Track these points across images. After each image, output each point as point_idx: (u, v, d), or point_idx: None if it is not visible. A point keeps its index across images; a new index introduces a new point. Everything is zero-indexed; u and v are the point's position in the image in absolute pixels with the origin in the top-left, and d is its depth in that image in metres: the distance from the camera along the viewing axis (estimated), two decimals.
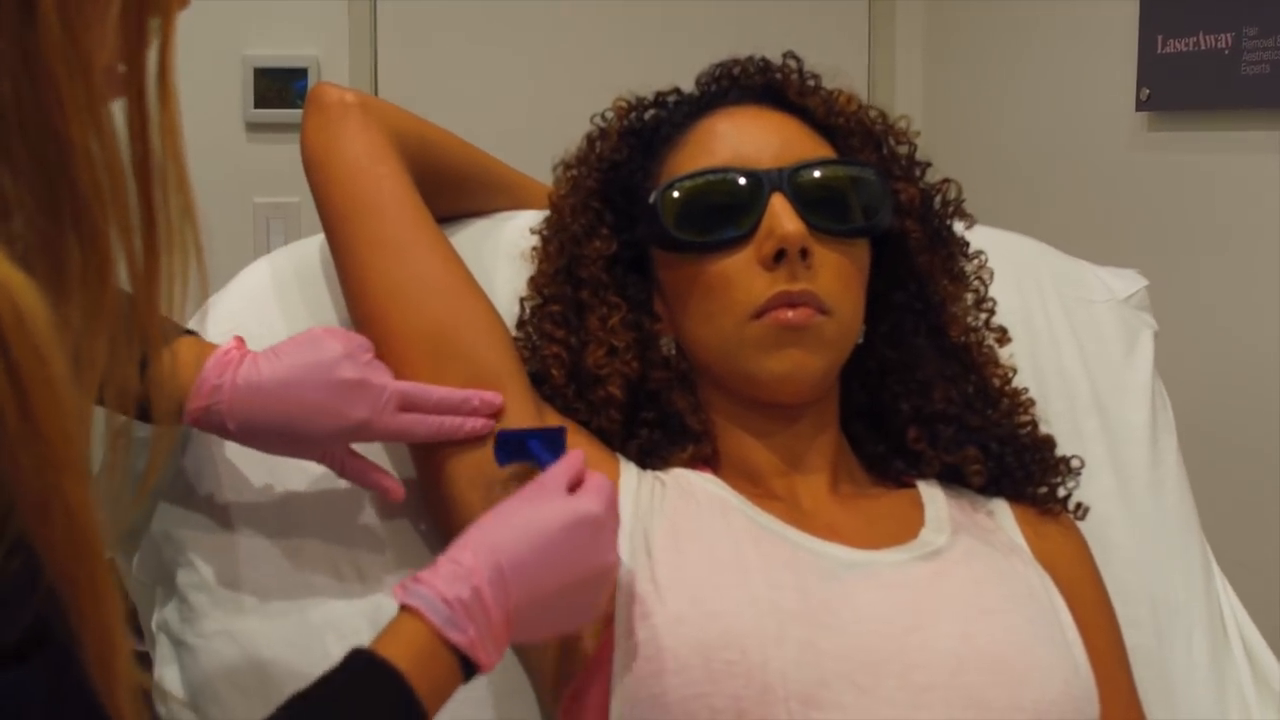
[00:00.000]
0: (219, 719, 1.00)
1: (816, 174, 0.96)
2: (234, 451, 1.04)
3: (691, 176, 0.97)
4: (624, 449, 0.99)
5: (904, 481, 1.03)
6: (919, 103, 2.57)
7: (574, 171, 1.05)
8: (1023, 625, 0.88)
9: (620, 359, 0.98)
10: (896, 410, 1.02)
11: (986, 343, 1.06)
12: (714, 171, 0.97)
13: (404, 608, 0.76)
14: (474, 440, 0.96)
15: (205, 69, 2.35)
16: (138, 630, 1.14)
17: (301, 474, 1.04)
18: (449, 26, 2.51)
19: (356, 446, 0.99)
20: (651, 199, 0.98)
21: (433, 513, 1.02)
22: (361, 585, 1.02)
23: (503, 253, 1.12)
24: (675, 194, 0.97)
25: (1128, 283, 1.30)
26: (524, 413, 0.97)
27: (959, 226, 1.08)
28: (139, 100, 0.59)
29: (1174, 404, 1.26)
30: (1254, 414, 1.85)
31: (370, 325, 0.99)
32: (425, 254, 1.00)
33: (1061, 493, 1.04)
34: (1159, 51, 2.02)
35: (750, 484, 0.97)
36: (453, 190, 1.10)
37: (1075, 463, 1.04)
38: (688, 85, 1.07)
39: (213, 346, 0.94)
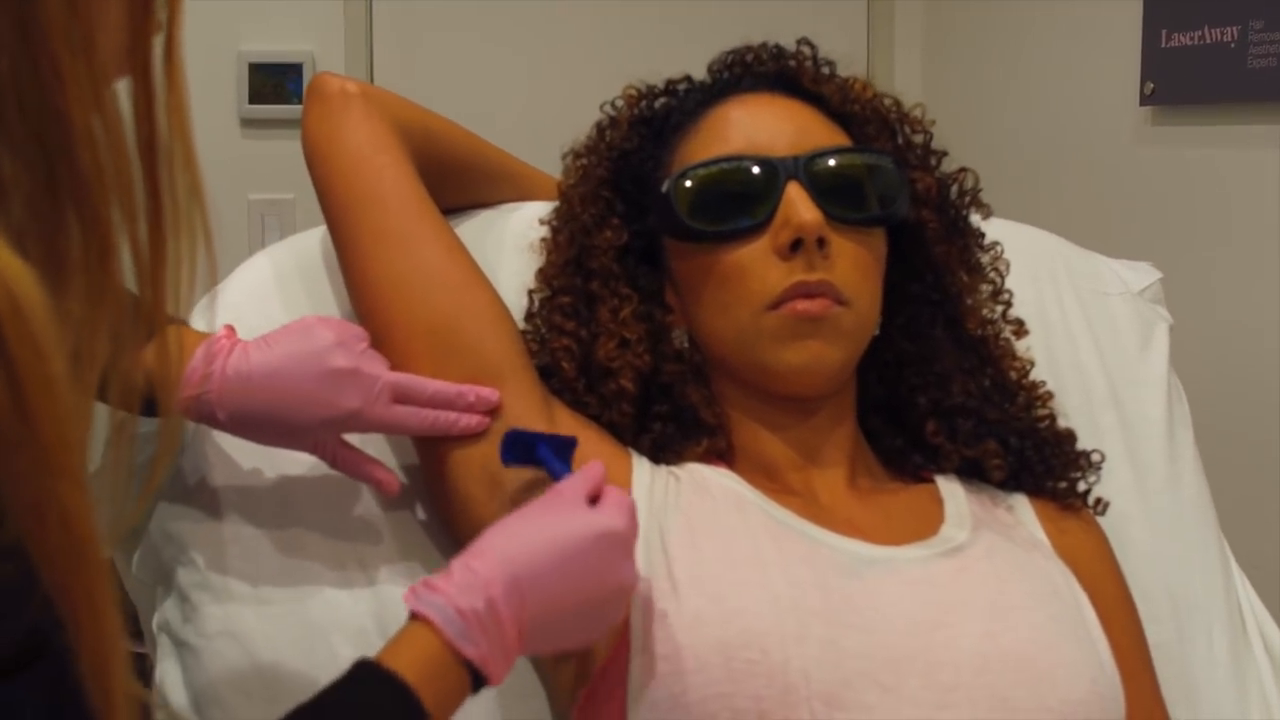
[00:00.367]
0: (220, 718, 0.97)
1: (833, 162, 0.94)
2: (234, 448, 1.01)
3: (705, 165, 0.95)
4: (636, 443, 0.97)
5: (922, 476, 1.01)
6: (919, 101, 2.55)
7: (584, 160, 1.03)
8: (1047, 623, 0.86)
9: (632, 351, 0.96)
10: (914, 403, 1.00)
11: (1004, 335, 1.04)
12: (728, 159, 0.95)
13: (415, 615, 0.73)
14: (478, 436, 0.93)
15: (199, 64, 2.28)
16: (137, 633, 1.12)
17: (302, 469, 1.01)
18: (444, 21, 2.49)
19: (352, 439, 0.96)
20: (664, 188, 0.96)
21: (436, 504, 1.00)
22: (365, 580, 1.00)
23: (508, 244, 1.10)
24: (688, 183, 0.95)
25: (1142, 275, 1.28)
26: (530, 407, 0.95)
27: (975, 218, 1.06)
28: (145, 79, 0.57)
29: None
30: (1258, 409, 1.83)
31: (373, 317, 0.97)
32: (429, 245, 0.98)
33: (1082, 487, 1.02)
34: (1163, 45, 2.01)
35: (766, 479, 0.95)
36: (456, 180, 1.08)
37: (1096, 457, 1.02)
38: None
39: (201, 335, 0.92)
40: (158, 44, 0.58)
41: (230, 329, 0.92)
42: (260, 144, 2.43)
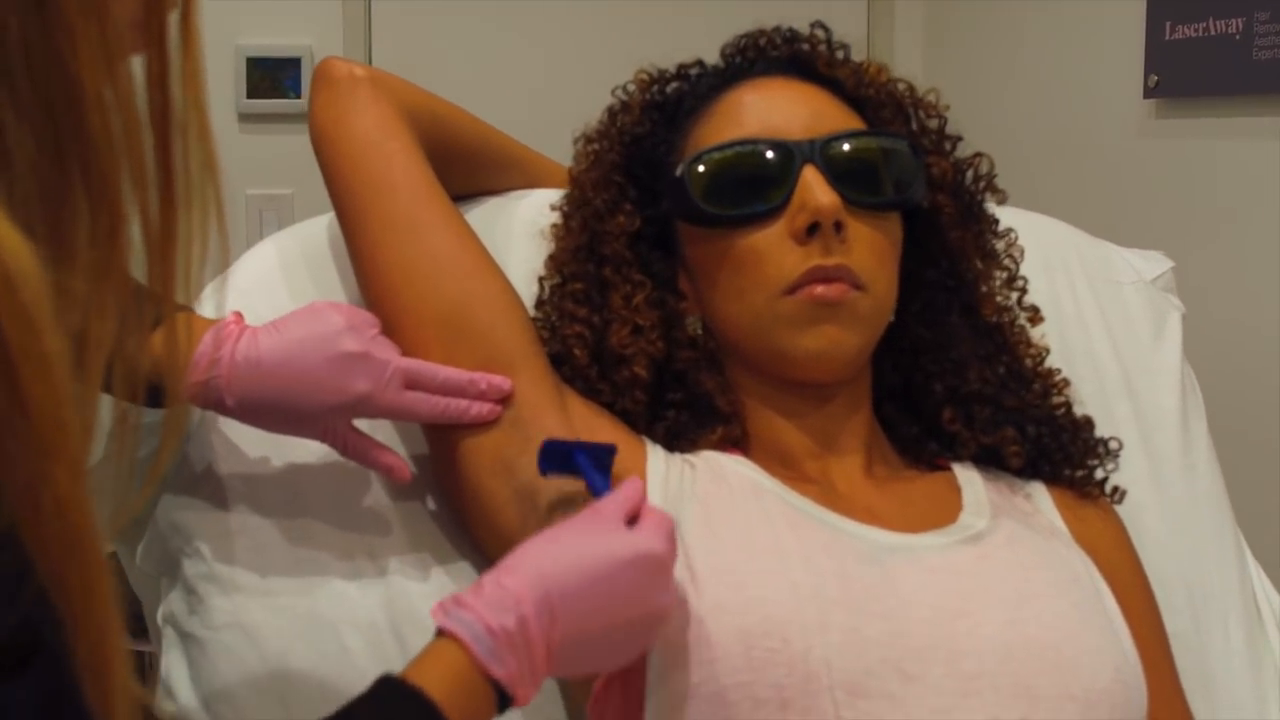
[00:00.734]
0: (228, 712, 0.96)
1: (849, 145, 0.93)
2: (241, 436, 1.00)
3: (720, 148, 0.94)
4: (650, 431, 0.95)
5: (938, 465, 1.00)
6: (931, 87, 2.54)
7: (595, 145, 1.01)
8: (1070, 611, 0.85)
9: (645, 338, 0.95)
10: (930, 391, 0.99)
11: (1019, 322, 1.03)
12: (743, 143, 0.93)
13: (442, 631, 0.71)
14: (489, 425, 0.92)
15: None
16: (141, 630, 1.10)
17: (311, 458, 1.00)
18: (443, 14, 2.47)
19: (361, 425, 0.95)
20: (679, 171, 0.95)
21: (447, 495, 0.98)
22: (375, 571, 0.98)
23: (517, 231, 1.08)
24: (703, 166, 0.93)
25: (1154, 264, 1.27)
26: (542, 395, 0.93)
27: (989, 205, 1.05)
28: (159, 45, 0.55)
29: None
30: (1262, 402, 1.82)
31: (382, 305, 0.96)
32: (439, 231, 0.97)
33: (1100, 475, 1.01)
34: (1167, 38, 2.00)
35: (782, 466, 0.94)
36: (465, 167, 1.07)
37: (1114, 444, 1.01)
38: None
39: (209, 321, 0.90)
40: (174, 13, 0.56)
41: (239, 315, 0.91)
42: (258, 139, 2.42)
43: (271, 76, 2.43)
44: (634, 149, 1.00)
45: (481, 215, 1.09)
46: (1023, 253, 1.05)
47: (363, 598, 0.98)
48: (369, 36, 2.45)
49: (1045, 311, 1.07)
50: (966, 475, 0.97)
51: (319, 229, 1.09)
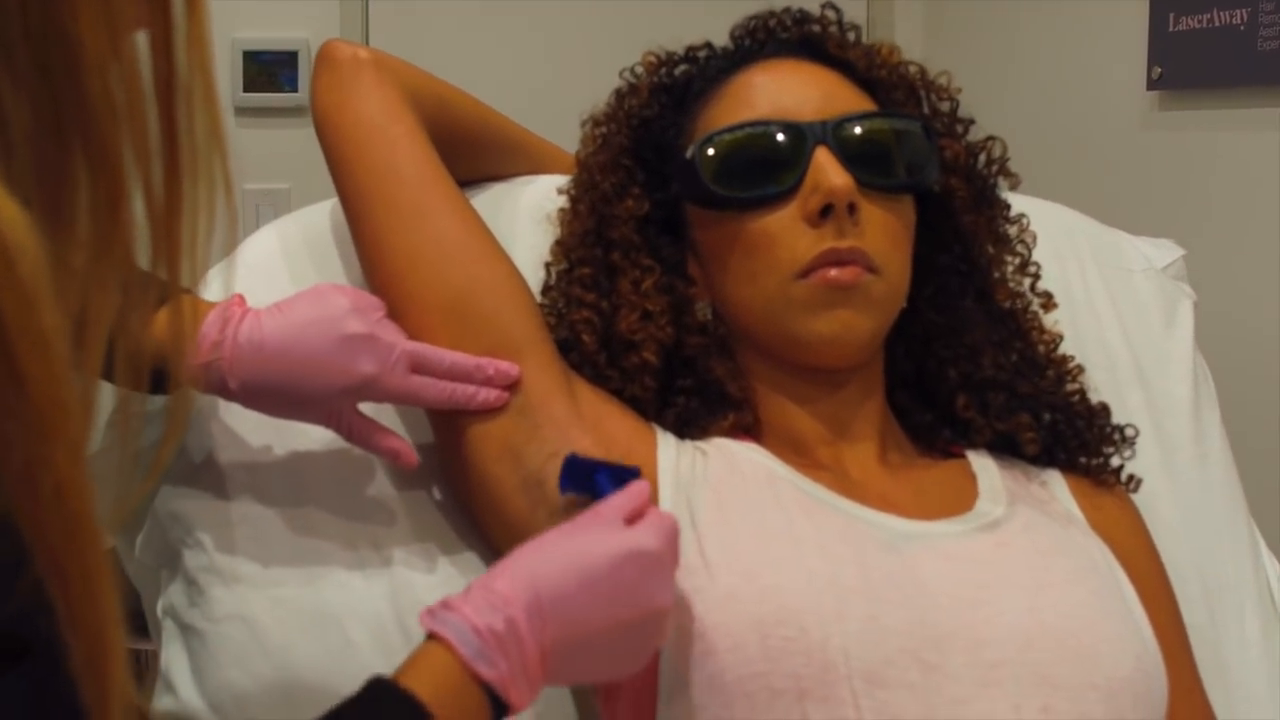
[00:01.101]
0: (230, 706, 0.94)
1: (862, 127, 0.91)
2: (242, 424, 0.98)
3: (731, 130, 0.92)
4: (660, 418, 0.94)
5: (951, 452, 0.98)
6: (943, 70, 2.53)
7: (603, 129, 1.00)
8: (1089, 599, 0.84)
9: (654, 324, 0.93)
10: (944, 377, 0.97)
11: (1032, 308, 1.02)
12: (754, 124, 0.92)
13: (431, 635, 0.70)
14: (496, 412, 0.91)
15: None
16: (140, 628, 1.08)
17: (314, 446, 0.98)
18: (441, 7, 2.46)
19: (366, 411, 0.93)
20: (689, 154, 0.93)
21: (453, 484, 0.97)
22: (379, 561, 0.97)
23: (523, 217, 1.07)
24: (713, 149, 0.92)
25: (1165, 252, 1.26)
26: (550, 381, 0.92)
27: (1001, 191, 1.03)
28: (164, 9, 0.53)
29: None
30: (1260, 397, 1.81)
31: (388, 291, 0.94)
32: (445, 217, 0.95)
33: (1116, 462, 0.99)
34: (1171, 29, 1.99)
35: (795, 454, 0.92)
36: (470, 152, 1.05)
37: (1130, 431, 1.00)
38: None
39: (211, 304, 0.88)
40: None
41: (241, 297, 0.89)
42: (255, 133, 2.40)
43: (268, 70, 2.41)
44: (642, 132, 0.98)
45: (487, 201, 1.07)
46: (1035, 238, 1.04)
47: (367, 589, 0.96)
48: (366, 30, 2.44)
49: (1056, 299, 1.06)
50: (981, 462, 0.95)
51: (321, 215, 1.08)
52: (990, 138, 1.01)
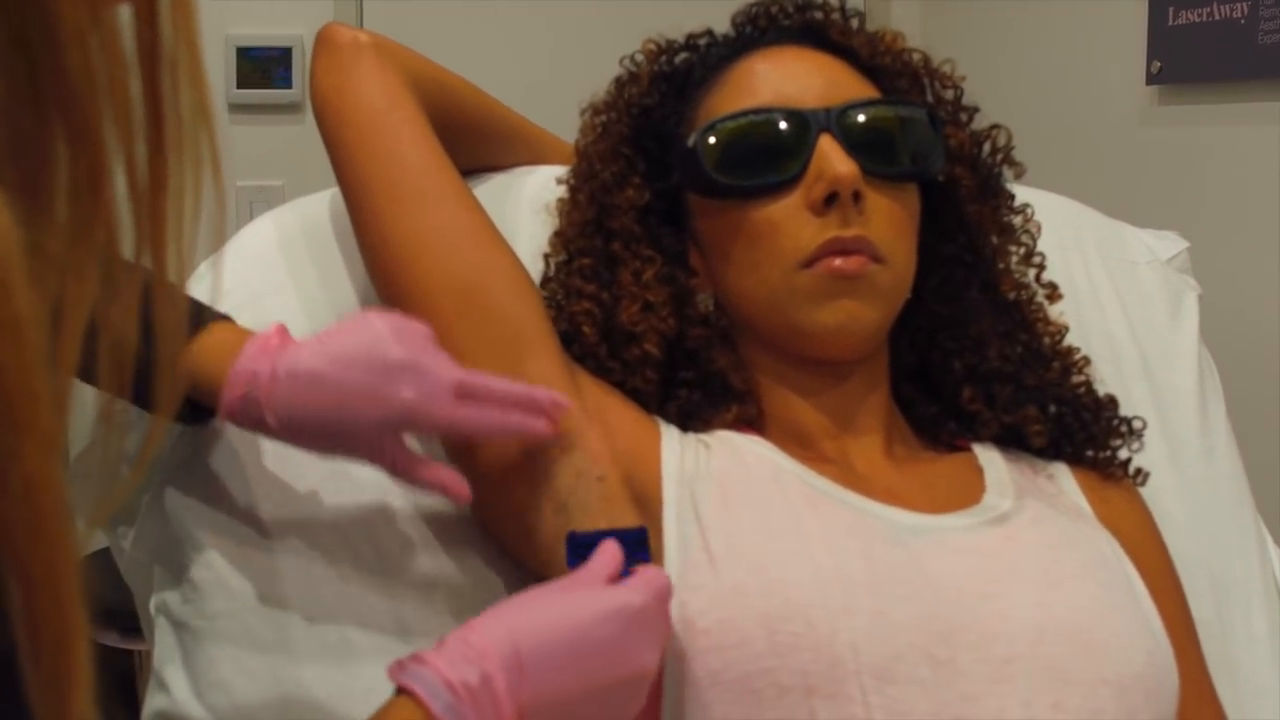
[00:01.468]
0: (224, 706, 0.92)
1: (866, 114, 0.90)
2: None
3: (733, 117, 0.90)
4: (662, 411, 0.92)
5: (957, 445, 0.97)
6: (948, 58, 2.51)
7: (603, 117, 0.98)
8: (1100, 593, 0.82)
9: (656, 315, 0.91)
10: (949, 369, 0.96)
11: (1037, 299, 1.00)
12: (756, 112, 0.90)
13: (400, 689, 0.67)
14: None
15: None
16: (130, 628, 1.06)
17: None
18: (435, 6, 2.44)
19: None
20: (690, 142, 0.91)
21: (473, 507, 0.94)
22: (376, 557, 0.95)
23: (524, 207, 1.05)
24: (715, 137, 0.90)
25: (1169, 244, 1.25)
26: (556, 373, 0.90)
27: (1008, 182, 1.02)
28: None
29: None
30: (1261, 391, 1.80)
31: (391, 278, 0.92)
32: (450, 203, 0.93)
33: (1124, 455, 0.98)
34: (1170, 23, 1.98)
35: (799, 446, 0.90)
36: (470, 139, 1.04)
37: (1137, 424, 0.99)
38: None
39: (246, 332, 0.85)
40: None
41: (282, 327, 0.86)
42: (248, 130, 2.38)
43: (262, 67, 2.40)
44: (643, 120, 0.97)
45: (487, 192, 1.05)
46: (1040, 229, 1.02)
47: (364, 586, 0.95)
48: (360, 26, 2.42)
49: (1060, 290, 1.05)
50: (987, 455, 0.94)
51: (319, 205, 1.06)
52: (995, 126, 1.00)
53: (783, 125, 0.89)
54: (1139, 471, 0.99)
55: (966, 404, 0.95)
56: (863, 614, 0.76)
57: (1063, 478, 0.95)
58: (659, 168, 0.96)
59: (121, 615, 1.28)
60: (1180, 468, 1.11)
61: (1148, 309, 1.18)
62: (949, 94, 0.99)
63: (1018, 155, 1.01)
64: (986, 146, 0.99)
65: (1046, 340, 0.99)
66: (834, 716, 0.75)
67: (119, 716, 0.57)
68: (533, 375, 0.89)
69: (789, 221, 0.88)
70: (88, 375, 0.48)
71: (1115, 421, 0.98)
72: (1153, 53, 2.01)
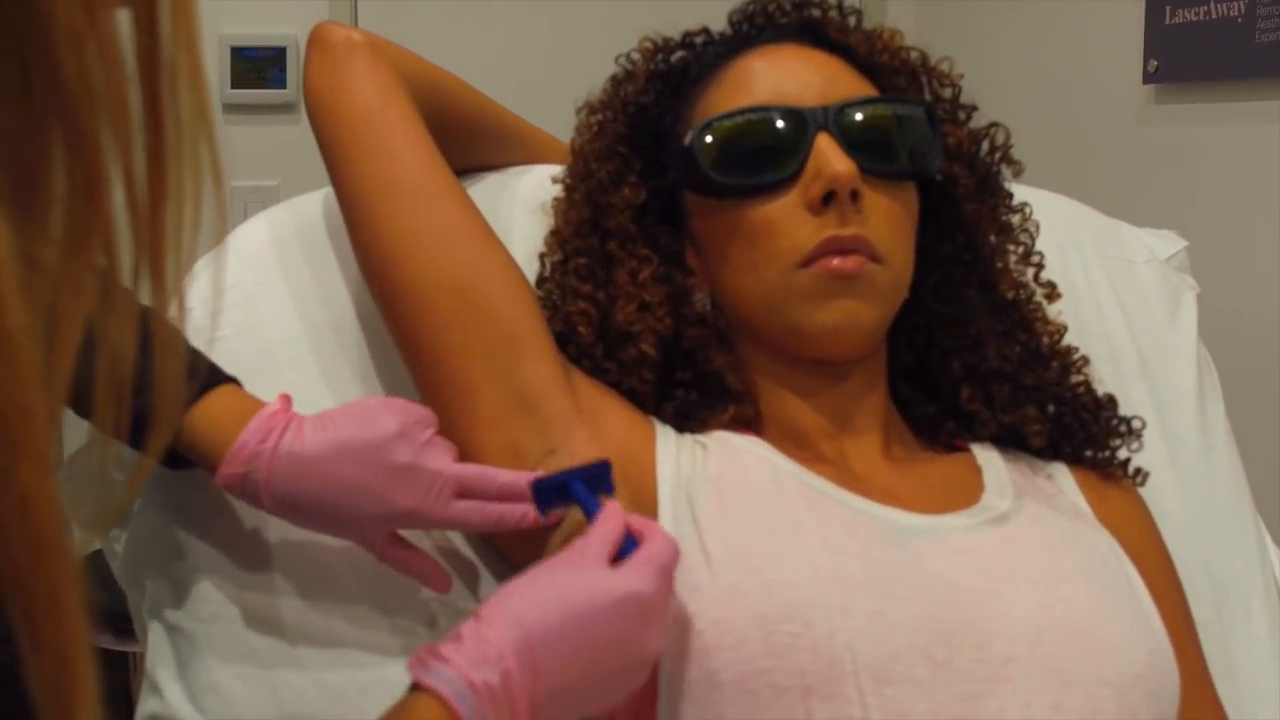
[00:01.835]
0: (217, 709, 0.92)
1: (864, 112, 0.89)
2: None
3: (730, 115, 0.90)
4: (659, 411, 0.92)
5: (955, 445, 0.96)
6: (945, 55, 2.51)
7: (598, 116, 0.97)
8: (1100, 593, 0.82)
9: (652, 315, 0.91)
10: (947, 369, 0.95)
11: (1036, 298, 1.00)
12: (753, 110, 0.90)
13: (419, 685, 0.67)
14: (501, 414, 0.88)
15: None
16: (124, 630, 1.05)
17: None
18: (430, 5, 2.43)
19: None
20: (687, 141, 0.91)
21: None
22: (371, 562, 0.94)
23: (519, 207, 1.05)
24: (712, 135, 0.90)
25: (1167, 243, 1.25)
26: (551, 373, 0.89)
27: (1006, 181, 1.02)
28: None
29: None
30: (1259, 390, 1.80)
31: (385, 277, 0.92)
32: (445, 201, 0.93)
33: (1123, 455, 0.97)
34: (1167, 22, 1.97)
35: (797, 447, 0.90)
36: (465, 138, 1.03)
37: (1136, 424, 0.98)
38: None
39: (256, 402, 0.85)
40: None
41: (286, 400, 0.86)
42: (243, 130, 2.38)
43: (256, 67, 2.39)
44: (639, 119, 0.96)
45: (482, 191, 1.05)
46: (1038, 227, 1.02)
47: (359, 590, 0.94)
48: (354, 25, 2.42)
49: (1059, 289, 1.04)
50: (986, 455, 0.94)
51: (313, 204, 1.05)
52: (993, 124, 0.99)
53: (780, 123, 0.89)
54: (1138, 471, 0.99)
55: (965, 404, 0.95)
56: (861, 614, 0.75)
57: (1062, 478, 0.95)
58: (655, 167, 0.95)
59: (115, 617, 1.27)
60: (1179, 467, 1.11)
61: (1146, 308, 1.18)
62: (947, 92, 0.99)
63: (1015, 154, 1.00)
64: (985, 145, 0.99)
65: (1045, 340, 0.99)
66: (831, 717, 0.74)
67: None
68: (527, 375, 0.88)
69: (786, 221, 0.87)
70: (83, 396, 0.47)
71: (1114, 421, 0.97)
72: (1150, 51, 2.01)
